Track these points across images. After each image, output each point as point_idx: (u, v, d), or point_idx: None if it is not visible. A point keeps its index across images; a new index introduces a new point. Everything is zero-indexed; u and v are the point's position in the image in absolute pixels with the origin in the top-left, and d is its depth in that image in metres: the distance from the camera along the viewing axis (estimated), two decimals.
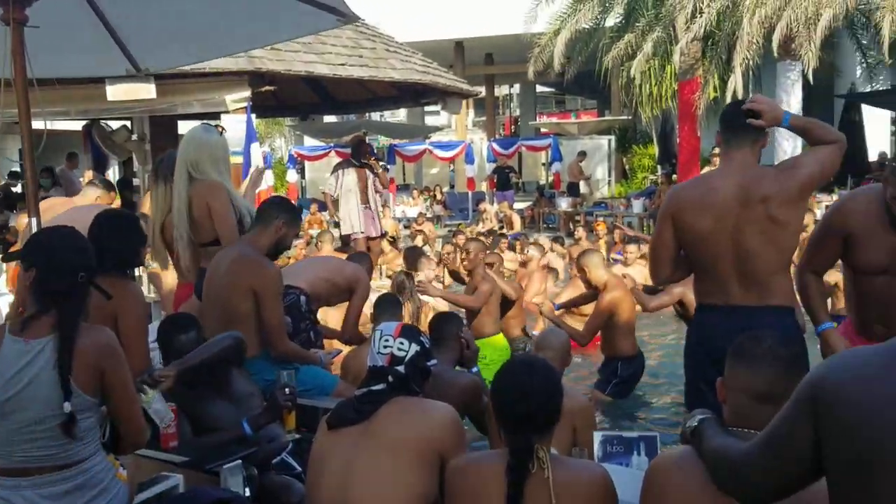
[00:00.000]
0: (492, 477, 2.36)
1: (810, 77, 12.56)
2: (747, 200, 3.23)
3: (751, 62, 12.78)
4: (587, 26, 16.28)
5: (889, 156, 17.20)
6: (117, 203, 6.46)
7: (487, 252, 7.27)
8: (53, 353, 2.42)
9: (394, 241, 12.09)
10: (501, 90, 37.93)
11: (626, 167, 22.82)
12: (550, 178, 21.04)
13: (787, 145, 13.48)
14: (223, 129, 4.55)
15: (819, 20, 11.69)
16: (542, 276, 8.66)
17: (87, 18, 4.01)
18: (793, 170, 3.30)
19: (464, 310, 6.54)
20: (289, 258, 8.92)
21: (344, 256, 8.93)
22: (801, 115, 3.73)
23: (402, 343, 2.71)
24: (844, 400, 1.60)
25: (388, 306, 4.97)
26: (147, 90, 8.03)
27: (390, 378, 2.69)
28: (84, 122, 11.89)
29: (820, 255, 3.52)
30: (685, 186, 3.62)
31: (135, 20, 4.10)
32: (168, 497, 2.90)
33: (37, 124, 3.83)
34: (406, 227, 16.44)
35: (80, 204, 5.73)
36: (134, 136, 11.42)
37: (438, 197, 20.82)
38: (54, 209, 5.51)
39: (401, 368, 2.70)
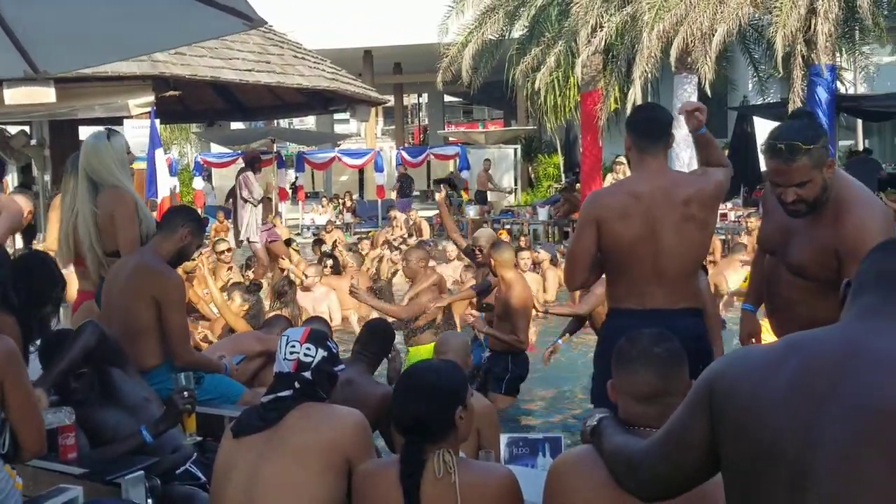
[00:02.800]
0: (397, 482, 2.35)
1: (707, 89, 12.96)
2: (671, 202, 3.31)
3: (649, 75, 13.11)
4: (494, 38, 16.45)
5: None
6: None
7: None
8: None
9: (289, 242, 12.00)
10: (410, 99, 38.00)
11: (532, 176, 23.13)
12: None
13: (685, 155, 13.88)
14: (111, 130, 4.43)
15: (714, 35, 12.08)
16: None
17: None
18: (707, 175, 3.46)
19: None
20: (194, 260, 8.72)
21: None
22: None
23: (308, 348, 2.68)
24: (736, 399, 1.64)
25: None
26: (46, 94, 7.78)
27: (297, 384, 2.65)
28: None
29: (760, 233, 3.56)
30: (607, 192, 3.66)
31: (32, 20, 3.93)
32: None
33: None
34: (315, 234, 16.28)
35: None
36: (33, 141, 10.98)
37: (348, 204, 20.68)
38: None
39: (307, 374, 2.66)
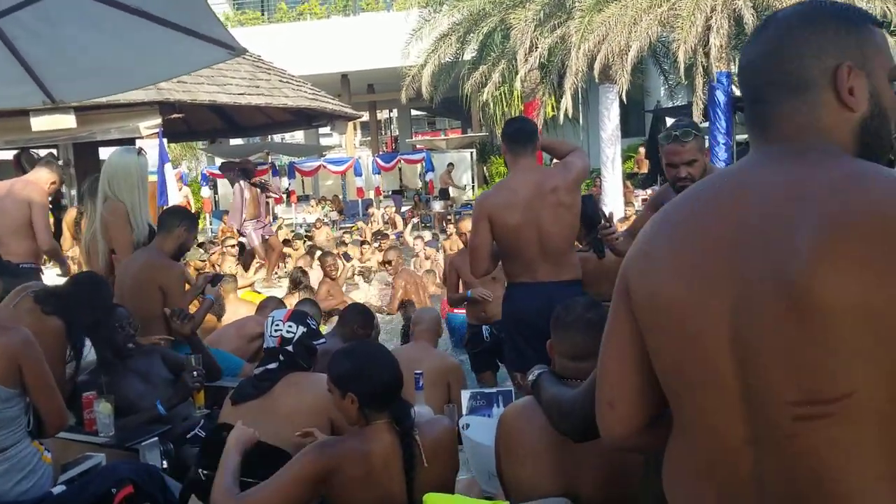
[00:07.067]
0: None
1: (624, 97, 12.98)
2: (542, 192, 3.42)
3: (578, 86, 13.11)
4: (448, 60, 16.35)
5: None
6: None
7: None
8: None
9: (287, 242, 11.89)
10: (382, 114, 37.70)
11: (486, 175, 23.06)
12: (426, 185, 21.09)
13: (609, 151, 13.93)
14: (143, 150, 4.35)
15: (629, 51, 12.09)
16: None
17: (2, 54, 3.69)
18: (567, 166, 3.55)
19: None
20: (204, 262, 8.59)
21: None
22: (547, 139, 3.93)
23: (290, 326, 2.62)
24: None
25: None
26: (68, 120, 7.59)
27: (281, 357, 2.59)
28: (14, 152, 11.12)
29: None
30: (492, 192, 3.75)
31: (46, 56, 3.80)
32: (92, 472, 2.73)
33: None
34: (307, 231, 16.11)
35: (29, 180, 5.15)
36: (60, 162, 10.71)
37: (335, 205, 20.50)
38: None
39: (290, 348, 2.60)
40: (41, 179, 5.18)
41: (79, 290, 3.21)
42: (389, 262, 7.67)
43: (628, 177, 16.64)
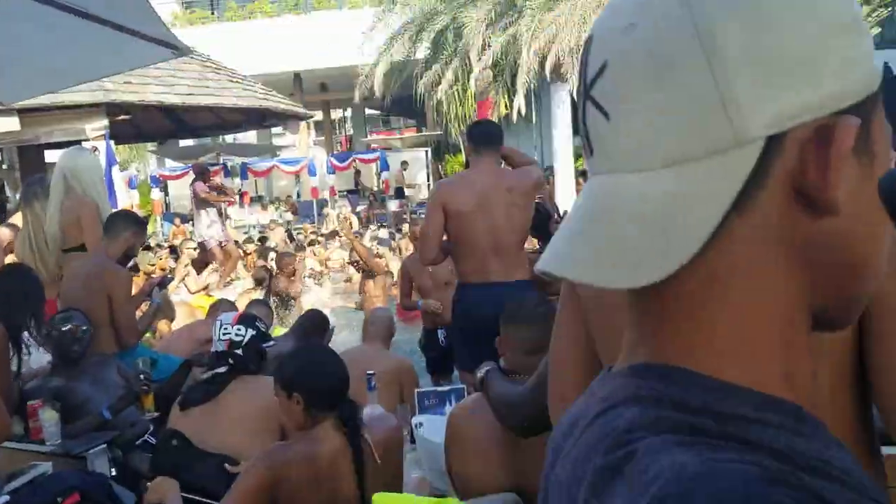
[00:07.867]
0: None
1: (576, 95, 13.13)
2: (498, 189, 3.52)
3: (530, 84, 13.21)
4: (401, 58, 16.33)
5: None
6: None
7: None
8: None
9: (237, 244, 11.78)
10: (337, 113, 37.46)
11: (442, 172, 23.07)
12: (381, 185, 21.02)
13: (562, 149, 14.06)
14: (97, 149, 4.35)
15: (580, 49, 12.23)
16: None
17: None
18: (527, 172, 3.67)
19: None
20: (152, 265, 8.44)
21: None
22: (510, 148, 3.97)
23: (239, 329, 2.60)
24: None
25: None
26: (11, 123, 7.40)
27: (230, 360, 2.57)
28: None
29: None
30: (450, 181, 3.83)
31: None
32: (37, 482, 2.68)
33: None
34: (261, 232, 15.92)
35: None
36: (4, 165, 10.44)
37: (288, 206, 20.28)
38: None
39: (239, 351, 2.58)
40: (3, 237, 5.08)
41: (11, 285, 3.16)
42: (358, 262, 7.80)
43: (580, 174, 16.84)
